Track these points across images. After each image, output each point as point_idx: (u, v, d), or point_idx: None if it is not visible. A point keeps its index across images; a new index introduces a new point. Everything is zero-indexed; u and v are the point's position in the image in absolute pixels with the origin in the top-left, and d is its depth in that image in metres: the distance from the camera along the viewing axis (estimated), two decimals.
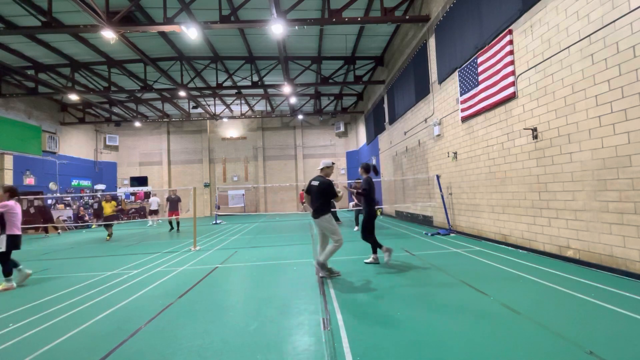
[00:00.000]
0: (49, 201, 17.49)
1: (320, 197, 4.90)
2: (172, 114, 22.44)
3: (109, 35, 8.96)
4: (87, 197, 20.19)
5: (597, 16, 4.32)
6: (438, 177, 9.29)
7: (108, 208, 11.49)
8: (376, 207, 16.70)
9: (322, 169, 5.11)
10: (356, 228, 12.11)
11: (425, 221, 10.94)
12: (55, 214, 17.24)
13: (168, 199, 13.00)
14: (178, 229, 13.18)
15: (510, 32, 6.07)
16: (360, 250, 7.15)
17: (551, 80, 5.16)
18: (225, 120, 22.46)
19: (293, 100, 18.43)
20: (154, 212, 16.32)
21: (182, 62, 13.69)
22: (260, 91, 17.96)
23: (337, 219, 12.50)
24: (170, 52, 13.09)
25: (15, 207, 5.31)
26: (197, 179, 23.30)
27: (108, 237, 11.23)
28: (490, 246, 6.71)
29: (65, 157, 18.81)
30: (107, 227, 11.48)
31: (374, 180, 6.06)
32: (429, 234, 8.73)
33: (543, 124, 5.36)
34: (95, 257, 7.95)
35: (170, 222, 13.56)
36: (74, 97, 15.03)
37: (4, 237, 5.17)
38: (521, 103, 5.90)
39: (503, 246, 6.58)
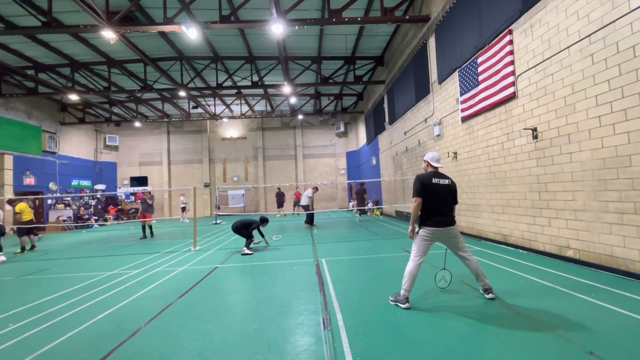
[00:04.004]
0: (49, 201, 17.52)
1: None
2: (172, 114, 22.45)
3: (109, 35, 8.96)
4: (87, 197, 20.21)
5: (597, 16, 4.32)
6: None
7: (27, 212, 9.31)
8: (376, 206, 16.88)
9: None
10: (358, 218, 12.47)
11: None
12: (55, 213, 17.27)
13: (142, 200, 11.05)
14: (152, 234, 11.51)
15: (510, 32, 6.07)
16: (360, 250, 7.16)
17: (551, 80, 5.16)
18: (225, 120, 22.47)
19: (293, 100, 18.42)
20: (183, 210, 18.72)
21: (182, 62, 13.69)
22: (260, 91, 17.96)
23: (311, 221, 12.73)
24: (170, 52, 13.09)
25: None
26: (197, 179, 23.31)
27: (20, 251, 9.13)
28: (490, 246, 6.71)
29: (65, 157, 18.81)
30: (20, 234, 9.21)
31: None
32: None
33: (543, 124, 5.36)
34: (95, 257, 7.95)
35: (144, 228, 11.24)
36: (74, 97, 15.02)
37: None
38: (521, 103, 5.89)
39: (503, 246, 6.58)
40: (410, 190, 12.06)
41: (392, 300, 3.69)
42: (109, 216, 20.37)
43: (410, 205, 3.78)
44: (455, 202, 3.79)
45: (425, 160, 3.89)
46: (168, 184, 23.22)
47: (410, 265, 3.64)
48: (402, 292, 3.59)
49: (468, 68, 7.45)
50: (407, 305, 3.52)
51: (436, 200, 3.62)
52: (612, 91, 4.16)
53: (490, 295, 3.69)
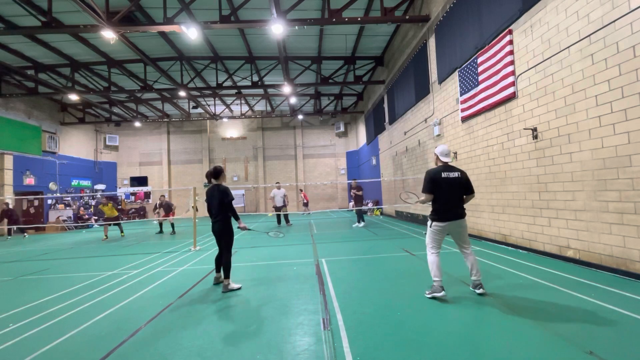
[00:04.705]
0: (49, 201, 17.51)
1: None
2: (172, 114, 22.44)
3: (109, 35, 8.96)
4: (87, 197, 20.20)
5: (597, 16, 4.32)
6: None
7: (109, 211, 11.51)
8: (376, 206, 16.84)
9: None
10: (356, 224, 12.10)
11: (425, 221, 10.93)
12: (55, 214, 17.27)
13: (161, 204, 12.85)
14: (173, 231, 12.64)
15: (510, 32, 6.07)
16: (360, 250, 7.15)
17: (551, 80, 5.16)
18: (225, 120, 22.47)
19: (293, 100, 18.43)
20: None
21: (182, 62, 13.69)
22: (260, 91, 17.97)
23: (287, 220, 13.38)
24: (170, 52, 13.10)
25: None
26: (197, 179, 23.30)
27: (105, 237, 11.36)
28: (490, 246, 6.71)
29: (65, 157, 18.82)
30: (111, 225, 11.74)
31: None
32: None
33: (543, 124, 5.36)
34: (95, 257, 7.95)
35: (171, 224, 13.15)
36: (74, 97, 15.04)
37: None
38: (521, 103, 5.89)
39: (503, 246, 6.58)
40: (411, 189, 12.07)
41: (428, 295, 3.77)
42: None
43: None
44: (471, 191, 3.85)
45: (435, 154, 3.97)
46: (168, 184, 23.22)
47: (430, 258, 3.80)
48: (434, 283, 3.72)
49: (468, 68, 7.45)
50: (443, 293, 3.66)
51: (446, 195, 3.72)
52: (612, 91, 4.15)
53: (480, 291, 3.76)
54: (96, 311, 3.89)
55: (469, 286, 4.05)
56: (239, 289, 4.59)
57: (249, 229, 5.27)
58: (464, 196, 3.85)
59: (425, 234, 3.90)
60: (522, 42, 5.80)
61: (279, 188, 13.17)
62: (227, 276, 4.60)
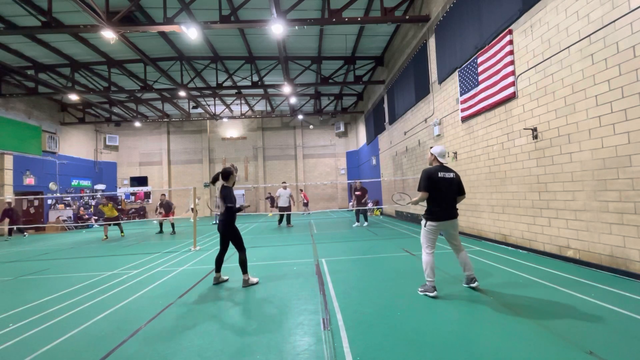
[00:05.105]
0: (49, 201, 17.51)
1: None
2: (172, 114, 22.45)
3: (109, 35, 8.96)
4: (87, 197, 20.20)
5: (597, 16, 4.32)
6: None
7: (109, 211, 11.54)
8: (376, 206, 16.83)
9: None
10: (356, 224, 12.03)
11: None
12: (55, 214, 17.27)
13: (162, 204, 12.77)
14: (174, 231, 12.64)
15: (510, 32, 6.07)
16: (360, 250, 7.15)
17: (551, 80, 5.16)
18: (225, 120, 22.47)
19: (293, 100, 18.43)
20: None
21: (182, 62, 13.69)
22: (260, 91, 17.97)
23: (288, 222, 13.22)
24: (170, 52, 13.10)
25: None
26: (197, 179, 23.31)
27: (105, 237, 11.51)
28: (490, 246, 6.71)
29: (65, 157, 18.82)
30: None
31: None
32: None
33: (543, 124, 5.36)
34: (95, 257, 7.95)
35: (161, 225, 13.31)
36: (74, 97, 15.04)
37: None
38: (521, 103, 5.90)
39: (503, 246, 6.58)
40: (410, 191, 12.08)
41: (421, 291, 3.88)
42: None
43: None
44: (463, 192, 3.99)
45: (432, 154, 4.05)
46: (168, 184, 23.22)
47: (425, 258, 3.87)
48: (427, 282, 3.80)
49: (468, 68, 7.45)
50: (435, 293, 3.73)
51: (442, 194, 3.81)
52: (612, 91, 4.16)
53: (475, 284, 3.89)
54: (96, 311, 3.89)
55: (467, 286, 4.05)
56: (257, 283, 4.78)
57: (244, 207, 5.48)
58: (457, 197, 3.97)
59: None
60: (522, 42, 5.81)
61: (285, 188, 12.74)
62: (244, 271, 4.73)
